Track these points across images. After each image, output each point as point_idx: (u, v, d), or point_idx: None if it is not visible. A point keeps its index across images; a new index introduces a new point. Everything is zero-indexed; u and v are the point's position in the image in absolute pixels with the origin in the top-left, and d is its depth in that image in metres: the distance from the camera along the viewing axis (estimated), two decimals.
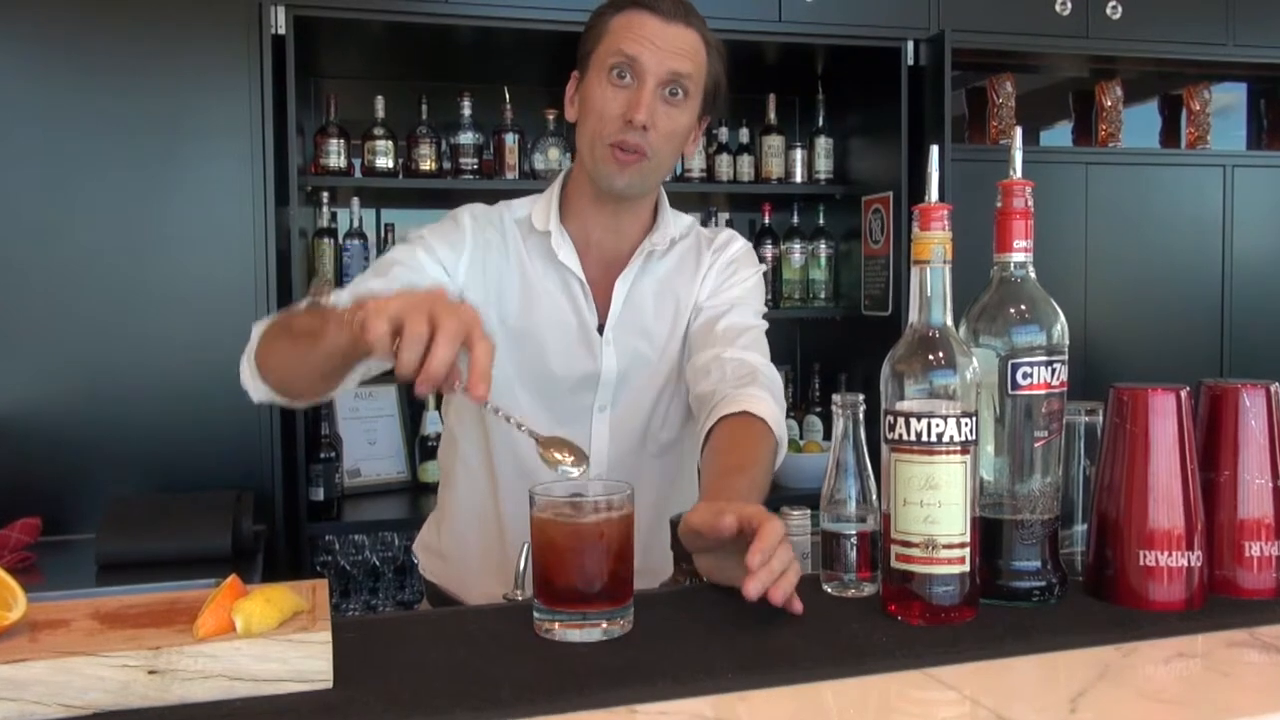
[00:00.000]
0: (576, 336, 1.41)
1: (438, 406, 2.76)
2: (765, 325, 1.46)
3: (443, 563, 1.51)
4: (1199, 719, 0.79)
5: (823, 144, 3.08)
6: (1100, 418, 1.07)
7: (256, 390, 1.26)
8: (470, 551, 1.46)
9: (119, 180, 2.33)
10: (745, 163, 3.04)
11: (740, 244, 1.52)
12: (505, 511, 1.42)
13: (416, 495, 2.80)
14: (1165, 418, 0.99)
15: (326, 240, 2.77)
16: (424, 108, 2.80)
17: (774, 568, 0.95)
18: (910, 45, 2.79)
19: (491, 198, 1.49)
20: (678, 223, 1.49)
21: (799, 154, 3.07)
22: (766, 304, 1.52)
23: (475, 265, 1.39)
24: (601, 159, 1.34)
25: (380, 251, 2.87)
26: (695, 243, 1.50)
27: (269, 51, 2.35)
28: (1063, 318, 1.02)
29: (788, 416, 3.10)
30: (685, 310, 1.46)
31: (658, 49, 1.31)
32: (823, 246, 3.15)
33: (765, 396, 1.29)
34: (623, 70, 1.31)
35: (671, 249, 1.46)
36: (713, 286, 1.46)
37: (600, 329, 1.41)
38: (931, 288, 0.97)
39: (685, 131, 1.37)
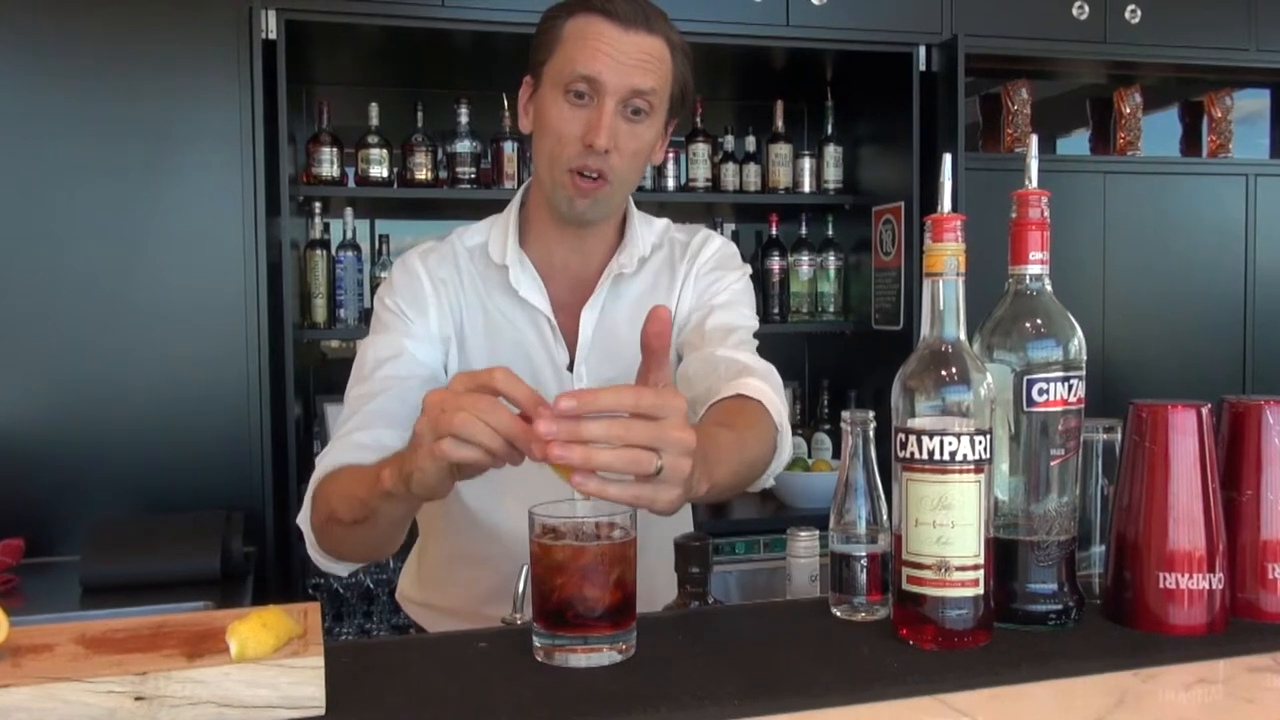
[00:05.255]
0: (548, 375, 1.33)
1: None
2: (755, 325, 1.38)
3: (430, 610, 1.46)
4: None
5: (831, 152, 3.06)
6: (1119, 435, 1.05)
7: (341, 568, 1.23)
8: (458, 594, 1.41)
9: (103, 189, 2.30)
10: (751, 172, 3.02)
11: (718, 244, 1.41)
12: (489, 544, 1.35)
13: (412, 523, 2.77)
14: (1186, 435, 0.98)
15: (319, 252, 2.74)
16: (419, 115, 2.78)
17: (583, 430, 0.82)
18: (922, 50, 2.77)
19: (489, 208, 1.46)
20: (649, 234, 1.39)
21: (807, 163, 3.05)
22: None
23: (443, 311, 1.33)
24: (560, 184, 1.25)
25: (374, 264, 2.86)
26: (669, 254, 1.41)
27: (259, 57, 2.33)
28: (1080, 332, 1.01)
29: (795, 434, 3.09)
30: None
31: (617, 63, 1.20)
32: (831, 258, 3.12)
33: (761, 385, 1.19)
34: (580, 90, 1.21)
35: (643, 267, 1.38)
36: (694, 298, 1.37)
37: (571, 365, 1.34)
38: (944, 301, 0.95)
39: (650, 147, 1.29)
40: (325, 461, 1.19)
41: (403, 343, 1.29)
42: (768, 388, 1.18)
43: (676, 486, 0.86)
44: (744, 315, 1.36)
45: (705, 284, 1.38)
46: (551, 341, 1.34)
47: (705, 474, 0.93)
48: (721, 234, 3.12)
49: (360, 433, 1.21)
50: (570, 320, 1.35)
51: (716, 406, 1.14)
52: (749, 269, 1.45)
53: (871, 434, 1.04)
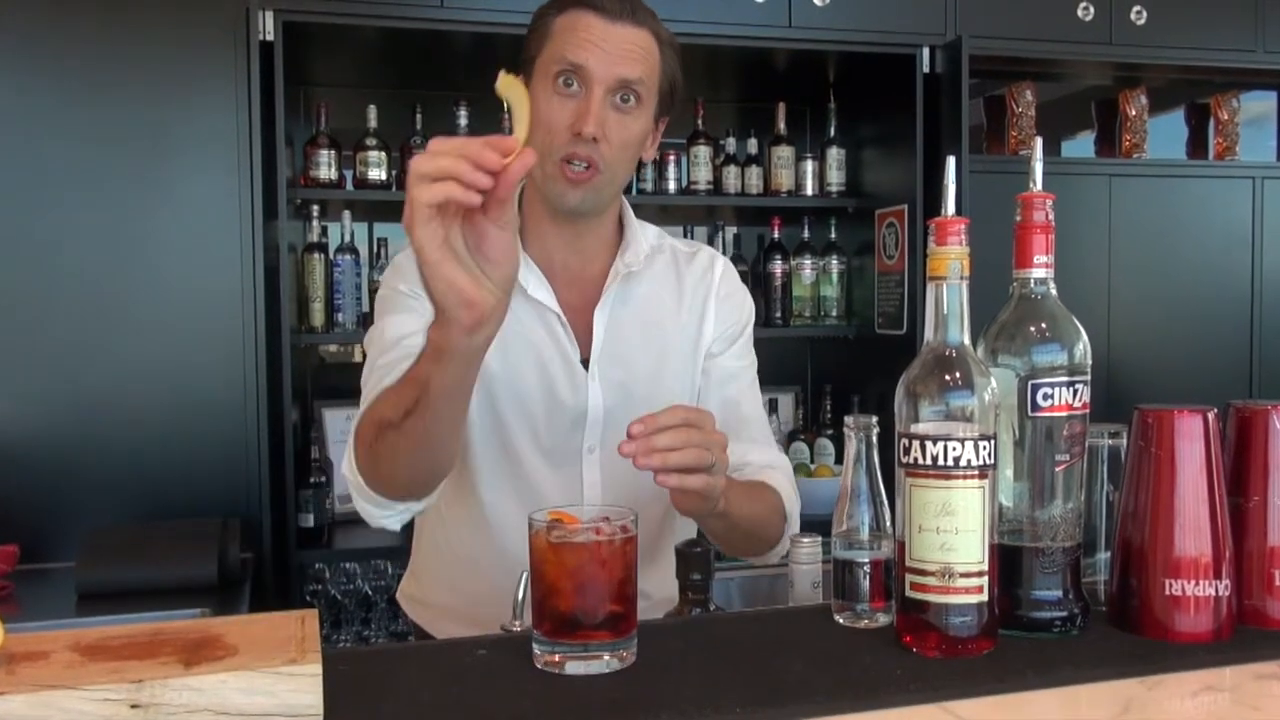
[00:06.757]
0: (559, 373, 1.34)
1: None
2: (755, 362, 1.46)
3: (430, 610, 1.45)
4: None
5: (834, 155, 3.04)
6: (1124, 440, 1.04)
7: (392, 517, 1.19)
8: (461, 596, 1.40)
9: (99, 193, 2.29)
10: (754, 174, 3.00)
11: (722, 265, 1.45)
12: (496, 546, 1.35)
13: (411, 522, 2.75)
14: (1192, 440, 0.97)
15: (317, 255, 2.71)
16: (418, 117, 2.76)
17: (655, 441, 1.02)
18: (926, 52, 2.76)
19: None
20: (646, 235, 1.42)
21: (810, 165, 3.03)
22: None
23: None
24: (551, 176, 1.26)
25: (373, 267, 2.83)
26: (672, 260, 1.43)
27: (257, 58, 2.31)
28: (1085, 336, 1.00)
29: (798, 439, 3.07)
30: (674, 338, 1.39)
31: (604, 53, 1.23)
32: (834, 262, 3.10)
33: (783, 480, 1.37)
34: (568, 78, 1.24)
35: (647, 267, 1.39)
36: (716, 327, 1.41)
37: (584, 363, 1.34)
38: (948, 305, 0.95)
39: (640, 139, 1.30)
40: (361, 409, 1.19)
41: (422, 322, 1.28)
42: (788, 484, 1.39)
43: (722, 476, 1.10)
44: (752, 362, 1.46)
45: (727, 310, 1.44)
46: (563, 338, 1.34)
47: (720, 507, 1.15)
48: (723, 237, 3.13)
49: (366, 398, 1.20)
50: (576, 319, 1.35)
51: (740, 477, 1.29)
52: (750, 297, 1.51)
53: (874, 439, 1.03)
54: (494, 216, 0.92)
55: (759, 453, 1.38)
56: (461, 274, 0.91)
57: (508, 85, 0.92)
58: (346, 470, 1.18)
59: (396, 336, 1.27)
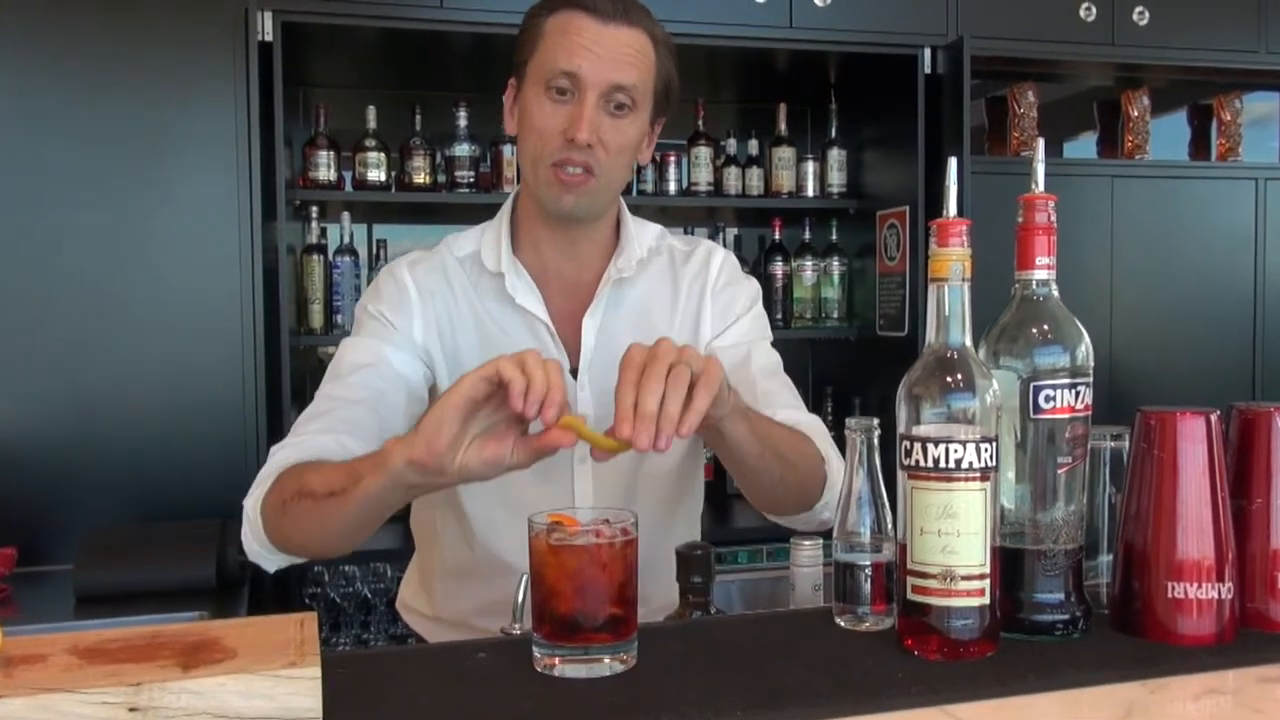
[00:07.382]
0: None
1: None
2: (769, 335, 1.40)
3: (429, 620, 1.44)
4: None
5: (836, 156, 3.04)
6: (1126, 443, 1.04)
7: (271, 561, 1.18)
8: (459, 605, 1.39)
9: (99, 193, 2.29)
10: (754, 175, 3.00)
11: (720, 258, 1.41)
12: (489, 557, 1.33)
13: (409, 529, 2.75)
14: (1194, 443, 0.96)
15: (316, 257, 2.71)
16: (418, 118, 2.76)
17: (646, 408, 0.92)
18: (927, 53, 2.75)
19: (488, 212, 1.43)
20: (643, 237, 1.37)
21: (811, 166, 3.03)
22: (776, 324, 1.45)
23: (429, 323, 1.31)
24: (545, 181, 1.24)
25: (372, 268, 2.83)
26: (669, 261, 1.39)
27: (255, 59, 2.31)
28: (1087, 338, 0.99)
29: None
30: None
31: (598, 58, 1.20)
32: (835, 263, 3.10)
33: (818, 434, 1.27)
34: (561, 85, 1.21)
35: (643, 271, 1.36)
36: (714, 321, 1.37)
37: (573, 372, 1.31)
38: (949, 307, 0.94)
39: (636, 143, 1.27)
40: (283, 455, 1.17)
41: (383, 350, 1.27)
42: (823, 439, 1.28)
43: (715, 379, 0.97)
44: (770, 344, 1.39)
45: (725, 302, 1.38)
46: (552, 349, 1.31)
47: (741, 409, 1.08)
48: (724, 239, 3.12)
49: (326, 435, 1.18)
50: (567, 328, 1.32)
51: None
52: (755, 282, 1.45)
53: (876, 441, 1.03)
54: (519, 442, 0.95)
55: (783, 415, 1.29)
56: (455, 426, 0.92)
57: (572, 424, 0.94)
58: (249, 505, 1.16)
59: (351, 365, 1.27)
